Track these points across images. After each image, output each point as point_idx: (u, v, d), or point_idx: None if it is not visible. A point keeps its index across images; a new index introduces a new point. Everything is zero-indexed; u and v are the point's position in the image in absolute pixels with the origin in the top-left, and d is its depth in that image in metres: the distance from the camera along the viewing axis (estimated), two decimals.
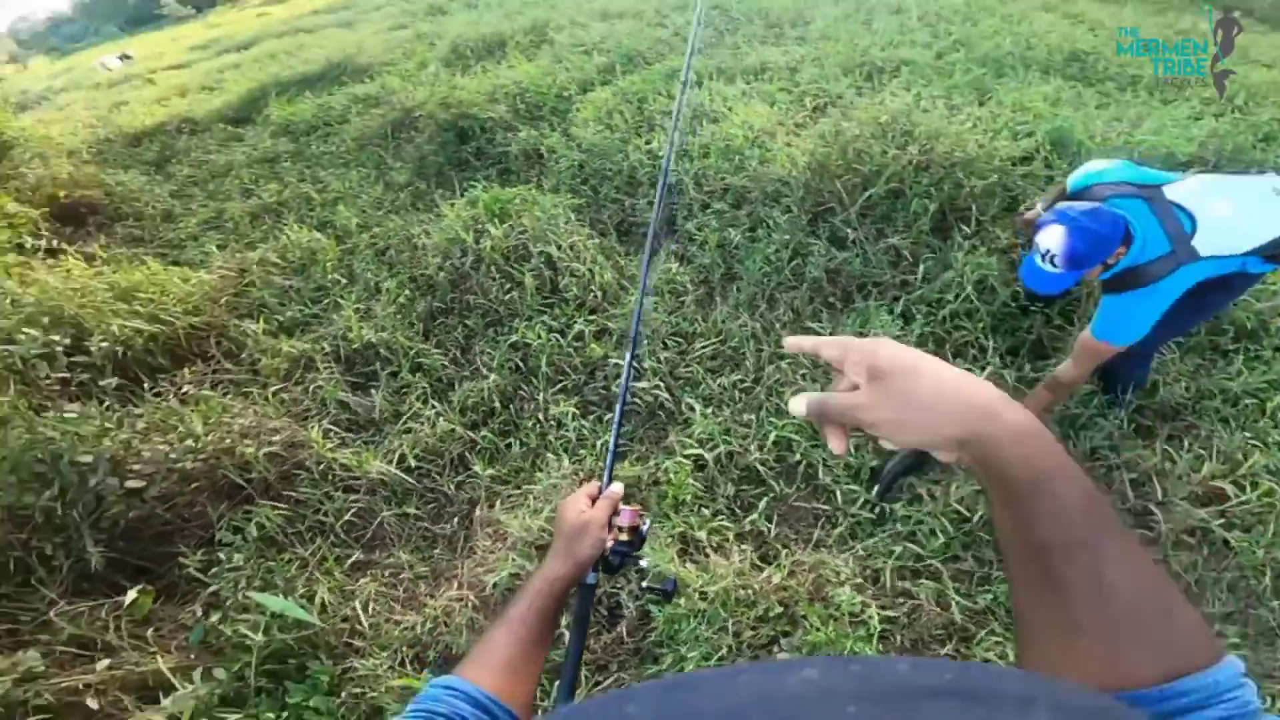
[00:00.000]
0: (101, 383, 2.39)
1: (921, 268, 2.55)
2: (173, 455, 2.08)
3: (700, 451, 2.17)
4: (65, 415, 2.12)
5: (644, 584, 0.88)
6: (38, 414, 2.16)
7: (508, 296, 2.63)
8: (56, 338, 2.38)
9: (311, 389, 2.51)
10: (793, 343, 0.54)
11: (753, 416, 2.27)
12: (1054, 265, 1.69)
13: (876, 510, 2.02)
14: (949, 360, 2.02)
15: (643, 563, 0.85)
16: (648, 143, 3.32)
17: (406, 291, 2.79)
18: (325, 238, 3.18)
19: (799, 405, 0.50)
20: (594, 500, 0.83)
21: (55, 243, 3.15)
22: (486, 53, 5.08)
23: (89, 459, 1.98)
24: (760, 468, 2.15)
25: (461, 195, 3.20)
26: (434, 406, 2.43)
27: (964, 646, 1.74)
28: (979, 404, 0.43)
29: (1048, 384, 1.91)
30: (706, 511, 2.05)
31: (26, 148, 3.96)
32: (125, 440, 2.10)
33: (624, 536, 0.83)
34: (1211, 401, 2.20)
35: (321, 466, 2.20)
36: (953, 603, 1.79)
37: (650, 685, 0.25)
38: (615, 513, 0.83)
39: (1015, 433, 0.42)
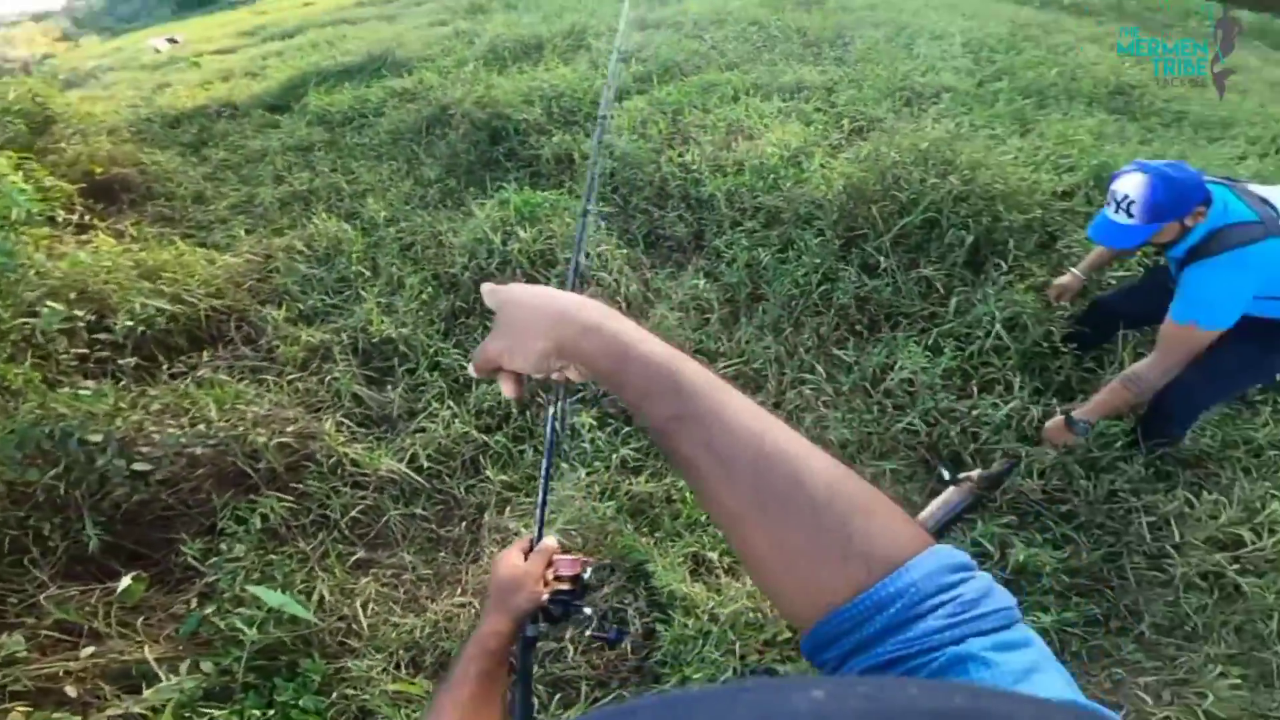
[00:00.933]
0: (120, 361, 2.38)
1: (953, 301, 2.49)
2: (183, 439, 2.05)
3: None
4: (80, 392, 2.09)
5: (589, 631, 0.89)
6: (52, 389, 2.13)
7: None
8: (80, 313, 2.38)
9: (328, 380, 2.50)
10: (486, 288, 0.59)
11: None
12: (1129, 215, 1.57)
13: None
14: (974, 395, 1.95)
15: (586, 610, 0.85)
16: (680, 155, 3.29)
17: (430, 289, 2.77)
18: (352, 229, 3.18)
19: (470, 369, 0.56)
20: (527, 554, 0.83)
21: (88, 218, 3.18)
22: (524, 54, 5.08)
23: (99, 438, 1.96)
24: None
25: (491, 195, 3.18)
26: (450, 407, 2.40)
27: None
28: (555, 312, 0.47)
29: (1125, 383, 1.76)
30: (721, 533, 2.01)
31: (68, 123, 4.01)
32: (137, 422, 2.08)
33: (564, 586, 0.84)
34: (1235, 451, 2.14)
35: (332, 460, 2.17)
36: None
37: (654, 700, 0.24)
38: (550, 564, 0.84)
39: (585, 327, 0.45)
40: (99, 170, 3.92)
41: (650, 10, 6.32)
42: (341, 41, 6.70)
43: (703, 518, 2.05)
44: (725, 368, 2.39)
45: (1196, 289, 1.58)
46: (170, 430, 2.07)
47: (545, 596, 0.81)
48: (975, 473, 2.03)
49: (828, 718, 0.22)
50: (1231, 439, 2.18)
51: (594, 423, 2.29)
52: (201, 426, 2.11)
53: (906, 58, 4.68)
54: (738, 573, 1.92)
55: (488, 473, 2.24)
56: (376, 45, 5.97)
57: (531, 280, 2.65)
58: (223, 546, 1.92)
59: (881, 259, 2.60)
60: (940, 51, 4.84)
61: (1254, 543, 1.88)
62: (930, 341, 2.39)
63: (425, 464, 2.22)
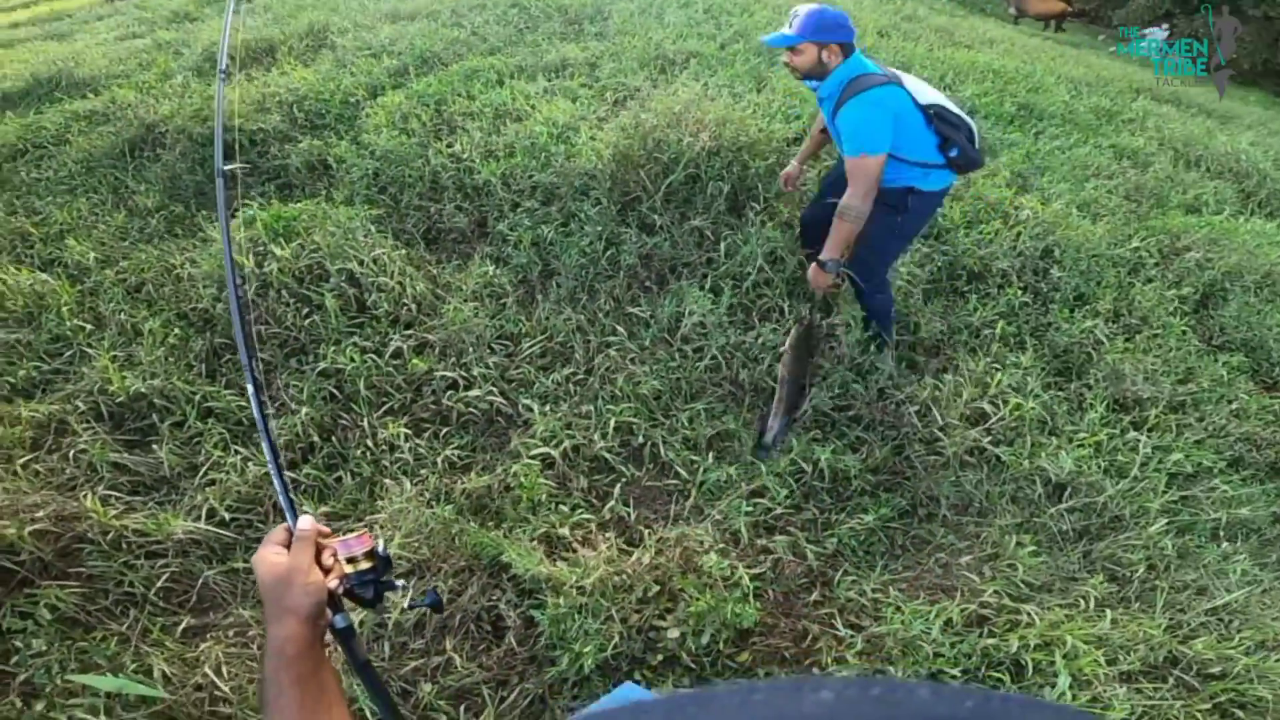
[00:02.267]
0: None
1: (723, 245, 2.82)
2: None
3: (547, 450, 2.19)
4: None
5: (409, 604, 0.85)
6: None
7: (307, 322, 2.43)
8: None
9: (72, 455, 2.15)
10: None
11: (590, 407, 2.35)
12: (790, 27, 2.02)
13: (728, 473, 2.18)
14: (756, 325, 2.24)
15: (398, 583, 0.82)
16: (449, 145, 3.26)
17: (176, 330, 2.46)
18: (54, 279, 2.68)
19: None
20: (289, 546, 0.75)
21: None
22: (252, 60, 4.59)
23: None
24: (607, 455, 2.23)
25: (233, 215, 2.88)
26: (238, 452, 2.19)
27: (827, 590, 1.94)
28: None
29: (839, 216, 2.12)
30: (565, 508, 2.09)
31: None
32: None
33: (363, 565, 0.78)
34: (959, 335, 2.71)
35: (110, 536, 1.95)
36: (807, 551, 1.99)
37: (663, 699, 0.25)
38: (323, 548, 0.76)
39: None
40: None
41: (402, 2, 6.06)
42: None
43: (543, 497, 2.11)
44: (530, 347, 2.47)
45: (851, 127, 2.01)
46: None
47: (335, 583, 0.75)
48: (784, 346, 2.36)
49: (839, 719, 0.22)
50: (954, 325, 2.75)
51: (408, 432, 2.25)
52: None
53: (659, 28, 5.07)
54: (592, 542, 2.01)
55: (304, 509, 2.10)
56: (46, 66, 5.00)
57: (302, 299, 2.48)
58: (19, 644, 1.71)
59: (656, 217, 2.86)
60: (687, 19, 5.31)
61: (996, 415, 2.33)
62: (711, 285, 2.70)
63: (228, 516, 2.05)
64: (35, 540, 1.89)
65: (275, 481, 0.84)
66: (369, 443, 2.25)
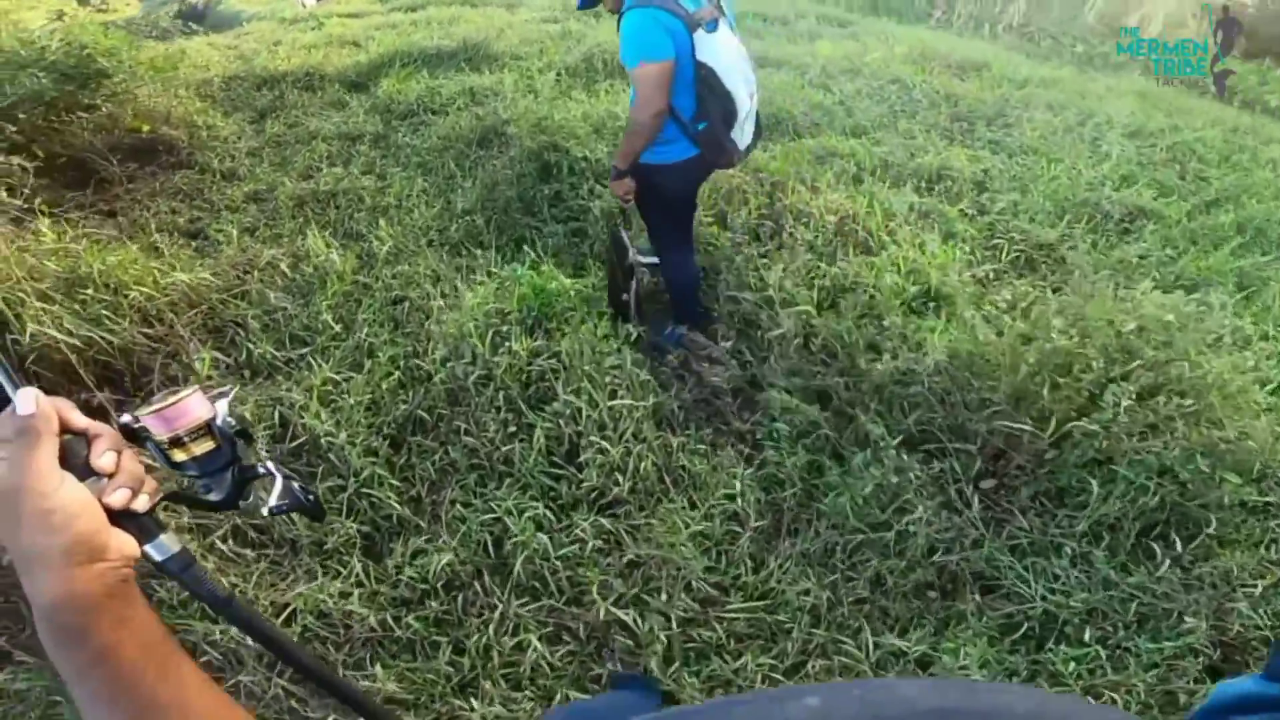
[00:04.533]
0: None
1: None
2: None
3: None
4: None
5: (269, 510, 0.51)
6: None
7: (508, 447, 1.80)
8: None
9: None
10: None
11: None
12: None
13: None
14: None
15: (271, 467, 0.51)
16: (764, 260, 2.39)
17: (397, 374, 2.05)
18: (343, 259, 2.48)
19: None
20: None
21: (40, 204, 2.52)
22: (620, 70, 4.29)
23: None
24: None
25: (504, 263, 2.39)
26: (361, 562, 1.69)
27: None
28: None
29: (627, 129, 1.85)
30: None
31: (126, 77, 3.56)
32: None
33: (201, 448, 0.47)
34: None
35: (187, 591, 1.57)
36: None
37: (654, 717, 0.23)
38: (91, 436, 0.42)
39: None
40: (146, 129, 3.52)
41: (775, 45, 5.38)
42: (453, 23, 6.14)
43: None
44: (738, 610, 1.52)
45: (626, 36, 1.72)
46: None
47: (118, 498, 0.41)
48: None
49: None
50: None
51: (539, 644, 1.50)
52: None
53: (1090, 156, 3.55)
54: None
55: (376, 667, 1.53)
56: (478, 32, 5.34)
57: (515, 414, 1.84)
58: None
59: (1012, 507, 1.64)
60: (1136, 154, 3.66)
61: None
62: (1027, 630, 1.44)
63: (301, 629, 1.58)
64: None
65: None
66: (494, 629, 1.57)
